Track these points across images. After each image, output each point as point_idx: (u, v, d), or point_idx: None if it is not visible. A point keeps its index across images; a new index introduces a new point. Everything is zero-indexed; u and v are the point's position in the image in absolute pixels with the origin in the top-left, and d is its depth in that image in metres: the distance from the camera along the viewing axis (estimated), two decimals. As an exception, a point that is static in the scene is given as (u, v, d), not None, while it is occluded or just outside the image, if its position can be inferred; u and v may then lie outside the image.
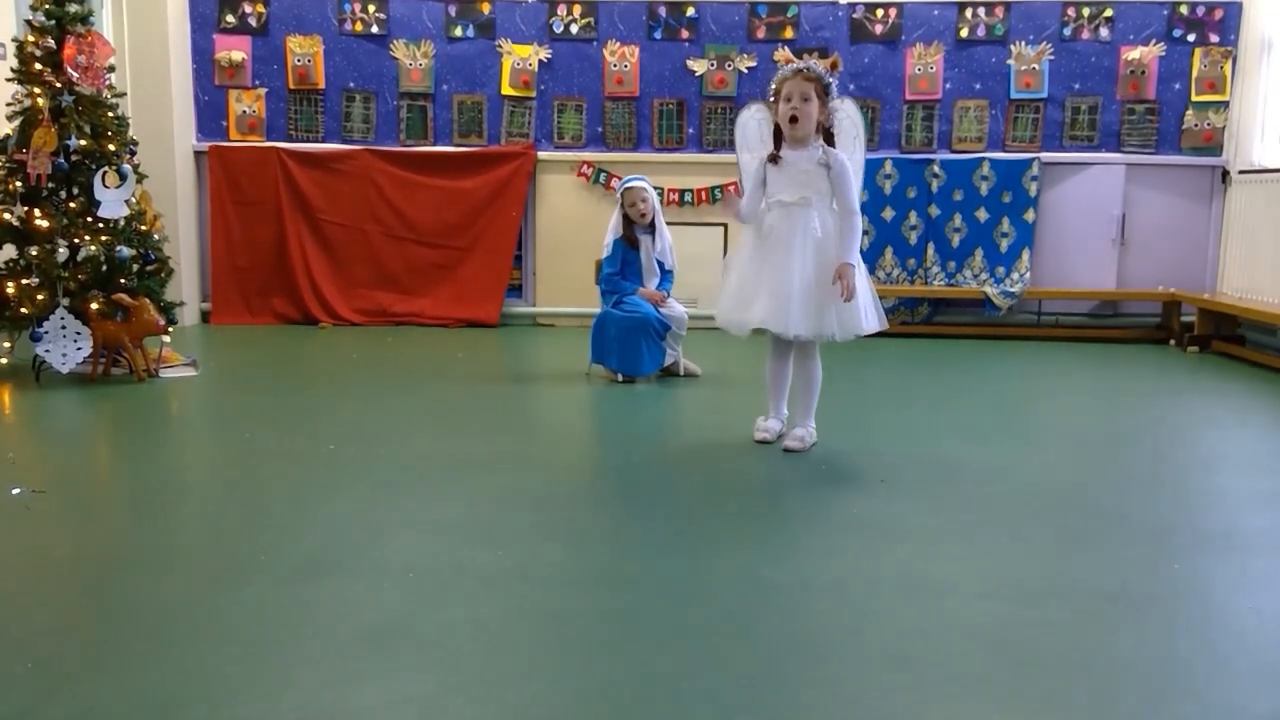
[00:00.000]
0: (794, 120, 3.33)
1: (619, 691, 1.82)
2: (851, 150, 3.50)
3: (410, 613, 2.14)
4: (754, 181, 3.48)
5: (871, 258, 6.48)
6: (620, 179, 4.91)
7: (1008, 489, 3.13)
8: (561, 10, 6.41)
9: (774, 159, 3.42)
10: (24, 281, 4.49)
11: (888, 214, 6.46)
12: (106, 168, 4.58)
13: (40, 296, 4.49)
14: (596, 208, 6.40)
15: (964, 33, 6.34)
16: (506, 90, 6.49)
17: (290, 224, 6.50)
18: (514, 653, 1.97)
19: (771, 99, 3.42)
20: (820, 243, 3.35)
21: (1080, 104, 6.36)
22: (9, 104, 4.63)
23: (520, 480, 3.14)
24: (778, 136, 3.44)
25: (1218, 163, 6.35)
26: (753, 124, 3.60)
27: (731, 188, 6.38)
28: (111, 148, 4.62)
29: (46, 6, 4.54)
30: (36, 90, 4.53)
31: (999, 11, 6.31)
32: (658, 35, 6.42)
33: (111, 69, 4.75)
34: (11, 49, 4.76)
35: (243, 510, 2.83)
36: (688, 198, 6.50)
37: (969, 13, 6.32)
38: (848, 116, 3.52)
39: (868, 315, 3.42)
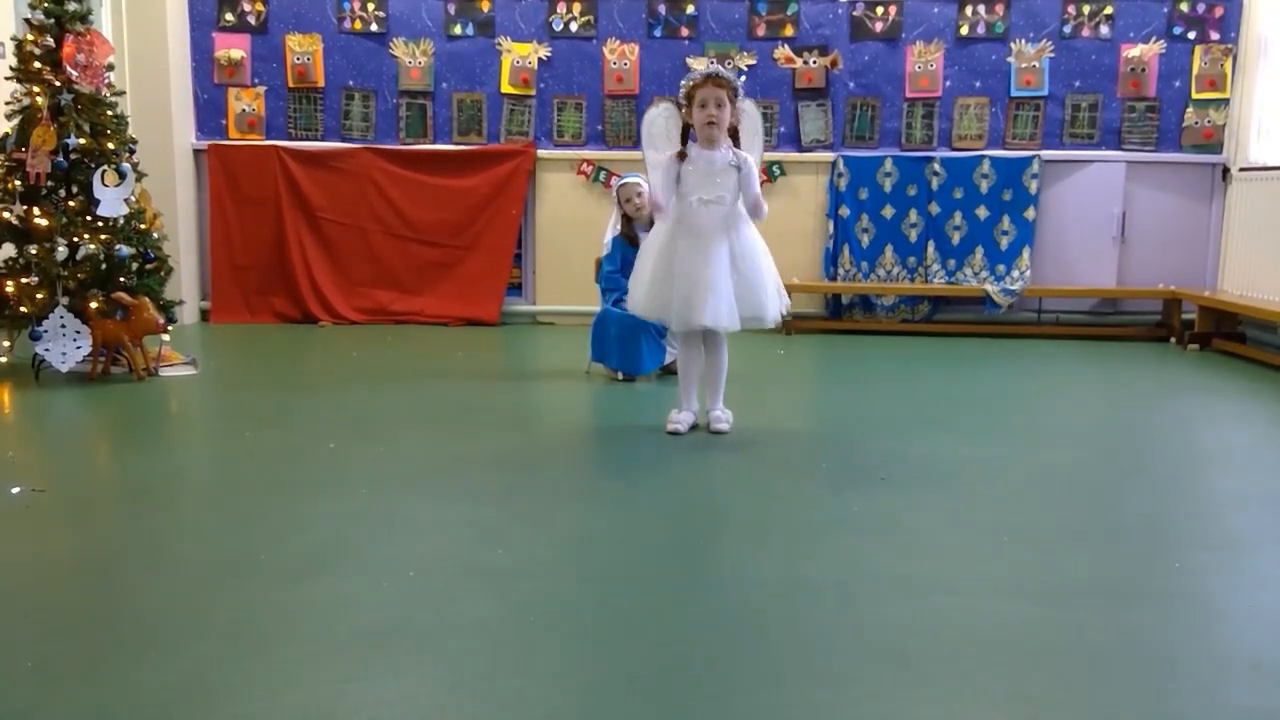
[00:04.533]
0: (711, 124, 3.55)
1: (619, 690, 1.82)
2: (752, 147, 3.74)
3: (410, 611, 2.14)
4: (667, 177, 3.64)
5: (872, 255, 6.47)
6: (619, 176, 4.91)
7: (1008, 487, 3.13)
8: (561, 8, 6.40)
9: (682, 155, 3.63)
10: (23, 280, 4.49)
11: (888, 212, 6.46)
12: (106, 166, 4.57)
13: (40, 295, 4.48)
14: (596, 206, 6.39)
15: (964, 30, 6.33)
16: (506, 88, 6.48)
17: (290, 222, 6.49)
18: (514, 651, 1.97)
19: (683, 101, 3.63)
20: (733, 239, 3.59)
21: (1080, 101, 6.36)
22: (8, 102, 4.62)
23: (520, 479, 3.14)
24: (684, 135, 3.66)
25: (1218, 160, 6.34)
26: (660, 121, 3.77)
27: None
28: (111, 146, 4.61)
29: (46, 5, 4.53)
30: (36, 89, 4.52)
31: (999, 9, 6.30)
32: (657, 33, 6.41)
33: (110, 67, 4.74)
34: (11, 47, 4.76)
35: (242, 509, 2.83)
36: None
37: (969, 10, 6.32)
38: (749, 116, 3.76)
39: (779, 303, 3.67)
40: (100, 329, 4.49)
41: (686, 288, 3.55)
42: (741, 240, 3.60)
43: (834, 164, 6.43)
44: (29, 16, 4.59)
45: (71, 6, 4.58)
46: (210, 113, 6.54)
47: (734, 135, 3.66)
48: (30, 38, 4.54)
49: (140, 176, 4.79)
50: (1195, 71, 6.28)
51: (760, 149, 3.82)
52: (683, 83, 3.66)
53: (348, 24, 6.45)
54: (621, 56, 6.42)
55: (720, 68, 3.66)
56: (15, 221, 4.50)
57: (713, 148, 3.59)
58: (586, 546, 2.58)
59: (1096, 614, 2.18)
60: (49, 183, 4.55)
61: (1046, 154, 6.37)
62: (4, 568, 2.39)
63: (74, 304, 4.53)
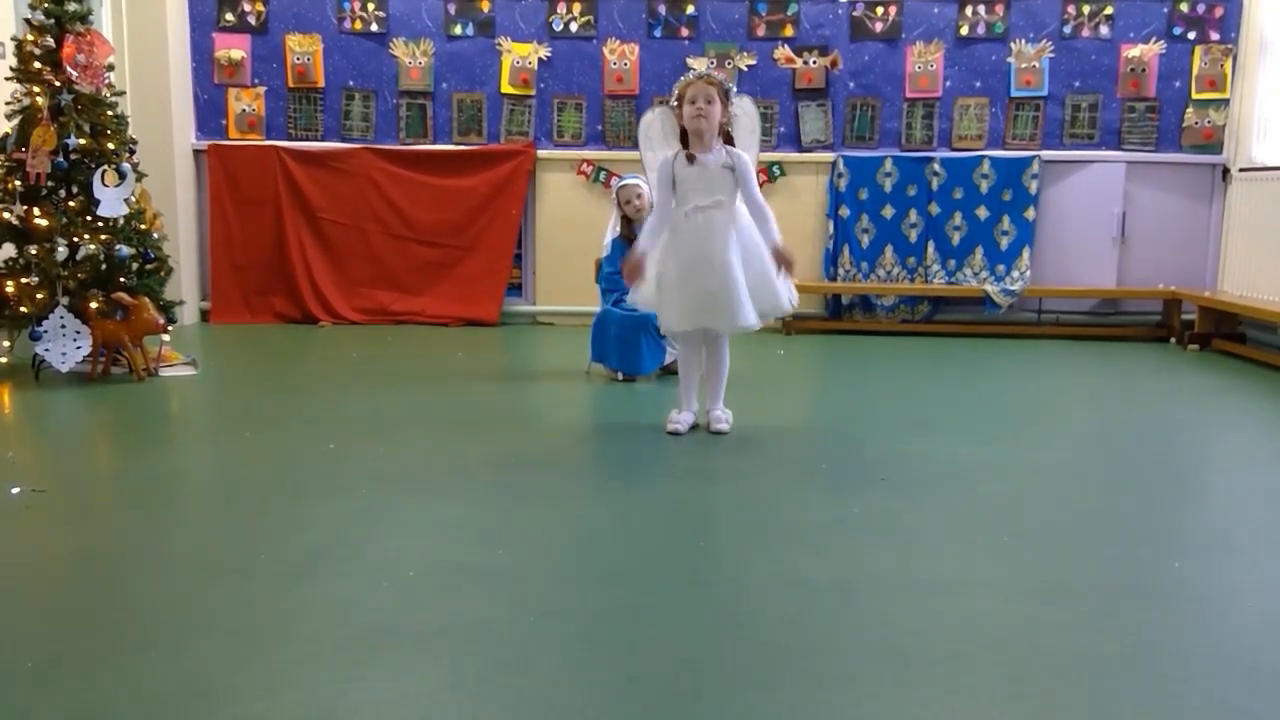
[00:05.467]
0: (699, 117, 3.52)
1: (618, 690, 1.82)
2: (748, 144, 3.73)
3: (410, 611, 2.13)
4: (664, 187, 3.62)
5: (872, 256, 6.47)
6: (619, 177, 4.91)
7: (1008, 487, 3.13)
8: (561, 8, 6.40)
9: (690, 158, 3.58)
10: (23, 280, 4.49)
11: (888, 212, 6.46)
12: (106, 166, 4.57)
13: (40, 295, 4.48)
14: (596, 206, 6.39)
15: (964, 30, 6.34)
16: (506, 88, 6.48)
17: (290, 223, 6.49)
18: (514, 651, 1.97)
19: (675, 104, 3.62)
20: (735, 241, 3.57)
21: (1080, 102, 6.36)
22: (8, 103, 4.62)
23: (520, 479, 3.13)
24: (684, 140, 3.63)
25: (1218, 160, 6.34)
26: (656, 124, 3.77)
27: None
28: (111, 146, 4.61)
29: (46, 5, 4.53)
30: (36, 89, 4.52)
31: (999, 9, 6.30)
32: (657, 33, 6.41)
33: (111, 68, 4.74)
34: (11, 47, 4.76)
35: (242, 509, 2.83)
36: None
37: (969, 10, 6.32)
38: (745, 113, 3.75)
39: (789, 293, 3.71)
40: (100, 329, 4.49)
41: (694, 300, 3.54)
42: (744, 236, 3.59)
43: (834, 164, 6.43)
44: (29, 16, 4.59)
45: (71, 6, 4.58)
46: (210, 113, 6.54)
47: (728, 139, 3.64)
48: (30, 38, 4.54)
49: (140, 176, 4.79)
50: (1195, 72, 6.28)
51: (756, 146, 3.81)
52: (675, 87, 3.64)
53: (348, 24, 6.45)
54: (621, 57, 6.42)
55: (712, 71, 3.67)
56: (15, 221, 4.50)
57: (704, 149, 3.56)
58: (586, 546, 2.58)
59: (1096, 614, 2.18)
60: (49, 183, 4.55)
61: (1046, 154, 6.37)
62: (4, 567, 2.39)
63: (74, 304, 4.53)
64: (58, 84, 4.54)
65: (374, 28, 6.44)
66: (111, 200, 4.56)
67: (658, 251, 3.64)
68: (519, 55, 6.45)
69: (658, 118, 3.76)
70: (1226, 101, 6.29)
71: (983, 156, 6.37)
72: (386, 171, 6.50)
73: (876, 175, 6.42)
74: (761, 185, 6.34)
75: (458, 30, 6.44)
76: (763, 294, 3.59)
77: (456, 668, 1.89)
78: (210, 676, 1.84)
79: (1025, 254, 6.38)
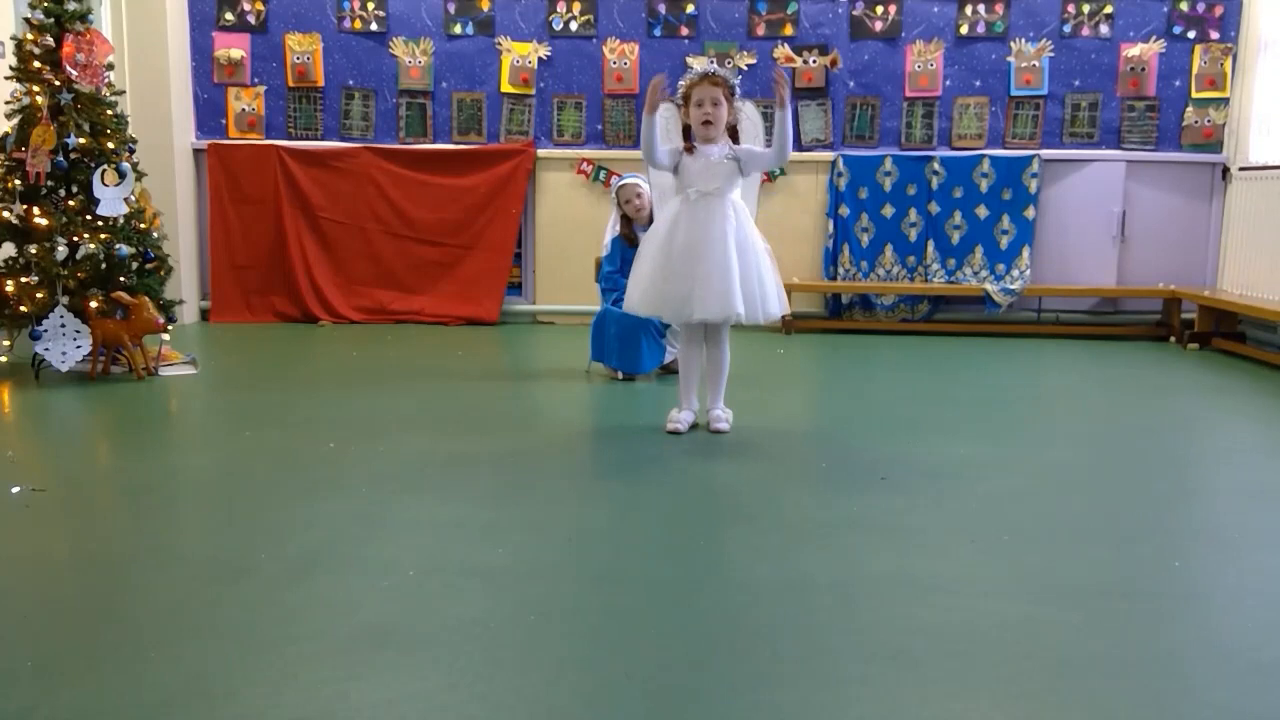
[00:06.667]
0: (707, 123, 3.57)
1: (618, 689, 1.82)
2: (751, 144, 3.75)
3: (410, 611, 2.14)
4: (665, 148, 3.63)
5: (871, 255, 6.48)
6: (619, 176, 4.91)
7: (1008, 487, 3.13)
8: (561, 7, 6.40)
9: (689, 149, 3.61)
10: (23, 280, 4.49)
11: (887, 211, 6.46)
12: (105, 166, 4.57)
13: (39, 295, 4.48)
14: (596, 205, 6.39)
15: (964, 29, 6.33)
16: (506, 88, 6.48)
17: (289, 222, 6.49)
18: (514, 651, 1.97)
19: (680, 102, 3.65)
20: (735, 229, 3.56)
21: (1080, 101, 6.36)
22: (8, 102, 4.62)
23: (520, 478, 3.13)
24: (686, 134, 3.65)
25: (1218, 159, 6.34)
26: (661, 122, 3.76)
27: None
28: (110, 145, 4.61)
29: (45, 4, 4.53)
30: (35, 88, 4.52)
31: (999, 8, 6.30)
32: (657, 32, 6.41)
33: (110, 67, 4.74)
34: (10, 47, 4.76)
35: (242, 509, 2.83)
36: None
37: (969, 9, 6.31)
38: (748, 118, 3.77)
39: (780, 299, 3.68)
40: (100, 328, 4.49)
41: (687, 283, 3.54)
42: (742, 235, 3.59)
43: (834, 163, 6.43)
44: (29, 16, 4.59)
45: (71, 6, 4.58)
46: (210, 112, 6.54)
47: (734, 135, 3.65)
48: (30, 37, 4.54)
49: (140, 176, 4.79)
50: (1195, 71, 6.28)
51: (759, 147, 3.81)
52: (680, 83, 3.66)
53: (347, 23, 6.45)
54: (621, 56, 6.42)
55: (717, 67, 3.67)
56: (15, 221, 4.50)
57: (710, 144, 3.60)
58: (586, 546, 2.58)
59: (1096, 613, 2.18)
60: (49, 182, 4.55)
61: (1046, 153, 6.37)
62: (4, 566, 2.39)
63: (74, 303, 4.53)
64: (57, 83, 4.54)
65: (374, 27, 6.44)
66: (111, 199, 4.56)
67: (653, 240, 3.66)
68: (519, 54, 6.45)
69: (662, 115, 3.75)
70: (1226, 100, 6.29)
71: (982, 155, 6.37)
72: (386, 171, 6.50)
73: (876, 174, 6.42)
74: (761, 184, 6.36)
75: (457, 29, 6.44)
76: (754, 294, 3.57)
77: (456, 668, 1.89)
78: (210, 676, 1.84)
79: (1025, 253, 6.38)
